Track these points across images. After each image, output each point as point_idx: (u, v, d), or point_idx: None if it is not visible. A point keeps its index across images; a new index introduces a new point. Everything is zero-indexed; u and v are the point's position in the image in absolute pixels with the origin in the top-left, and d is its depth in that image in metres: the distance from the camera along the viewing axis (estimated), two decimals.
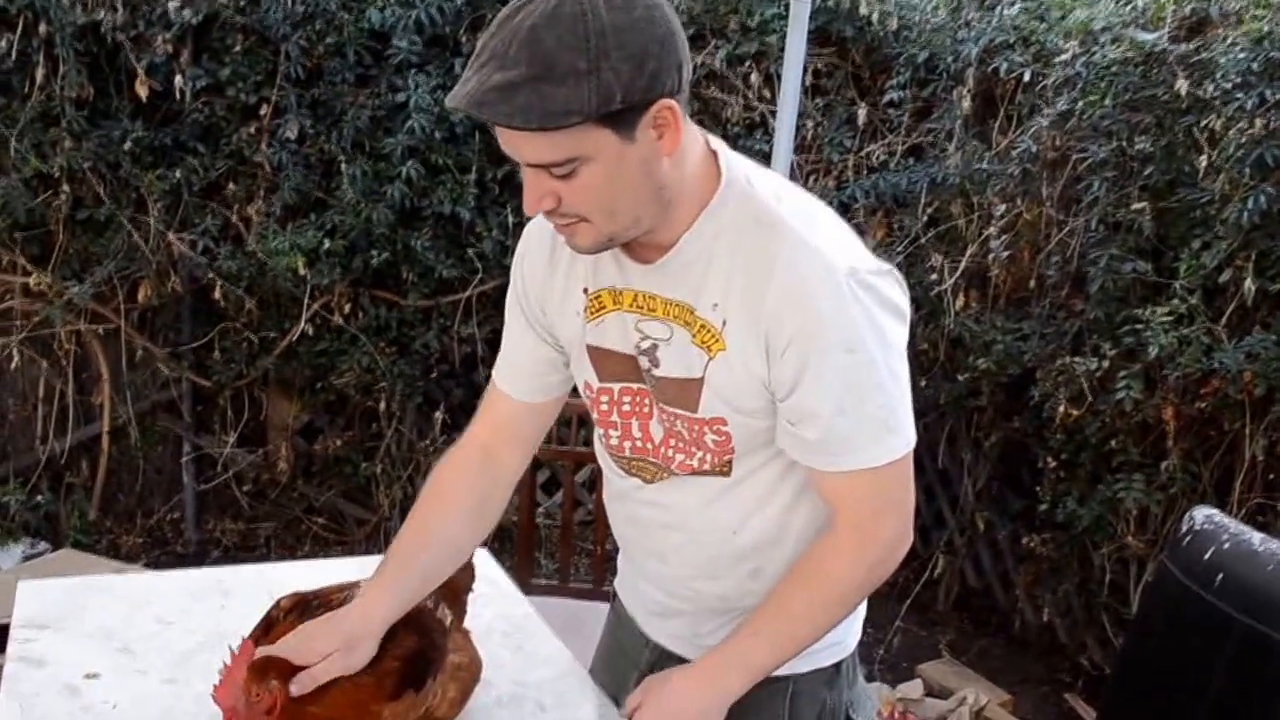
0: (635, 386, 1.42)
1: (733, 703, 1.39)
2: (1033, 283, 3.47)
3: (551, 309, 1.46)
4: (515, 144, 1.21)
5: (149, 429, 4.05)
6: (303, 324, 3.76)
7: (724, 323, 1.31)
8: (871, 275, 1.29)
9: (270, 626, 1.47)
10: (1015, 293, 3.55)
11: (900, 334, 1.32)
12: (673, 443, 1.42)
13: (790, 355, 1.27)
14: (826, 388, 1.27)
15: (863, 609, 1.52)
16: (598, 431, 1.51)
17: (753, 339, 1.29)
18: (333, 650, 1.36)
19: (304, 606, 1.46)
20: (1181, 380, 2.91)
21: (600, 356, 1.43)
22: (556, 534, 3.92)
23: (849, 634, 1.51)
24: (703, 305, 1.32)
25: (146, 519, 4.14)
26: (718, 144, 1.35)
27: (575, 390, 1.54)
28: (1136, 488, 3.02)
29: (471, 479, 1.54)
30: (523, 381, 1.54)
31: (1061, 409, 3.17)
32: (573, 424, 2.83)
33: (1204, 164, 2.90)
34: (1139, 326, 2.96)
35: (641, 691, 1.42)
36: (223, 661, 1.36)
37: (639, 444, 1.46)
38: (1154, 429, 3.10)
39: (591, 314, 1.41)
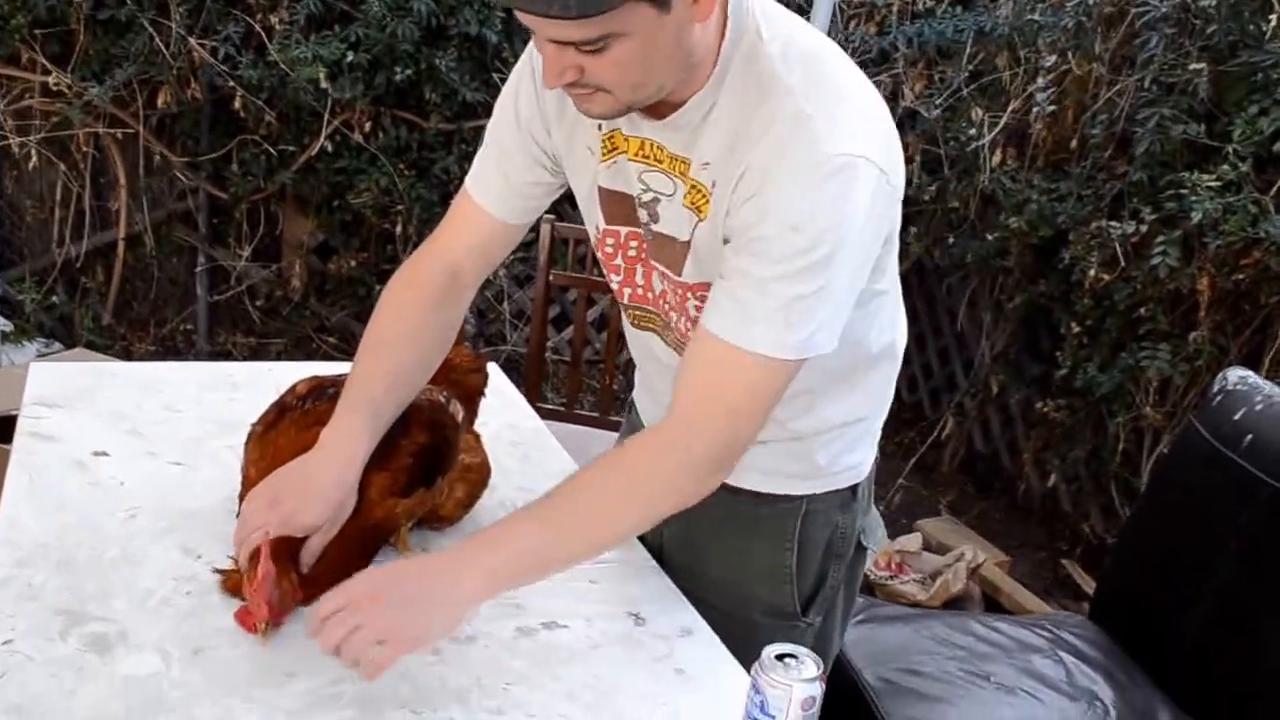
0: (641, 232, 1.36)
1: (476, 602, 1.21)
2: (1074, 143, 3.35)
3: (559, 137, 1.37)
4: (538, 23, 1.10)
5: (164, 238, 4.00)
6: (322, 139, 3.67)
7: (713, 184, 1.23)
8: (864, 163, 1.15)
9: (283, 412, 1.43)
10: (1055, 153, 3.43)
11: (870, 238, 1.20)
12: (669, 299, 1.37)
13: (743, 212, 1.19)
14: (756, 252, 1.18)
15: (876, 432, 1.48)
16: (606, 272, 1.46)
17: (725, 198, 1.22)
18: (321, 523, 1.29)
19: (319, 392, 1.42)
20: (1222, 250, 2.82)
21: (610, 199, 1.36)
22: (564, 370, 3.90)
23: (866, 456, 1.48)
24: (696, 163, 1.24)
25: (159, 328, 4.13)
26: None
27: None
28: (1162, 357, 2.96)
29: (441, 308, 1.44)
30: (511, 200, 1.43)
31: (1092, 273, 3.09)
32: (589, 253, 2.76)
33: (1272, 25, 2.75)
34: (1183, 191, 2.86)
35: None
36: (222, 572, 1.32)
37: (639, 291, 1.41)
38: (1186, 299, 3.03)
39: (605, 154, 1.33)
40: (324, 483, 1.30)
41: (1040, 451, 3.65)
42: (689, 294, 1.31)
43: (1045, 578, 3.56)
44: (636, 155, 1.29)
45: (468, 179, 1.46)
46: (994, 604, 3.26)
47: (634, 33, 1.09)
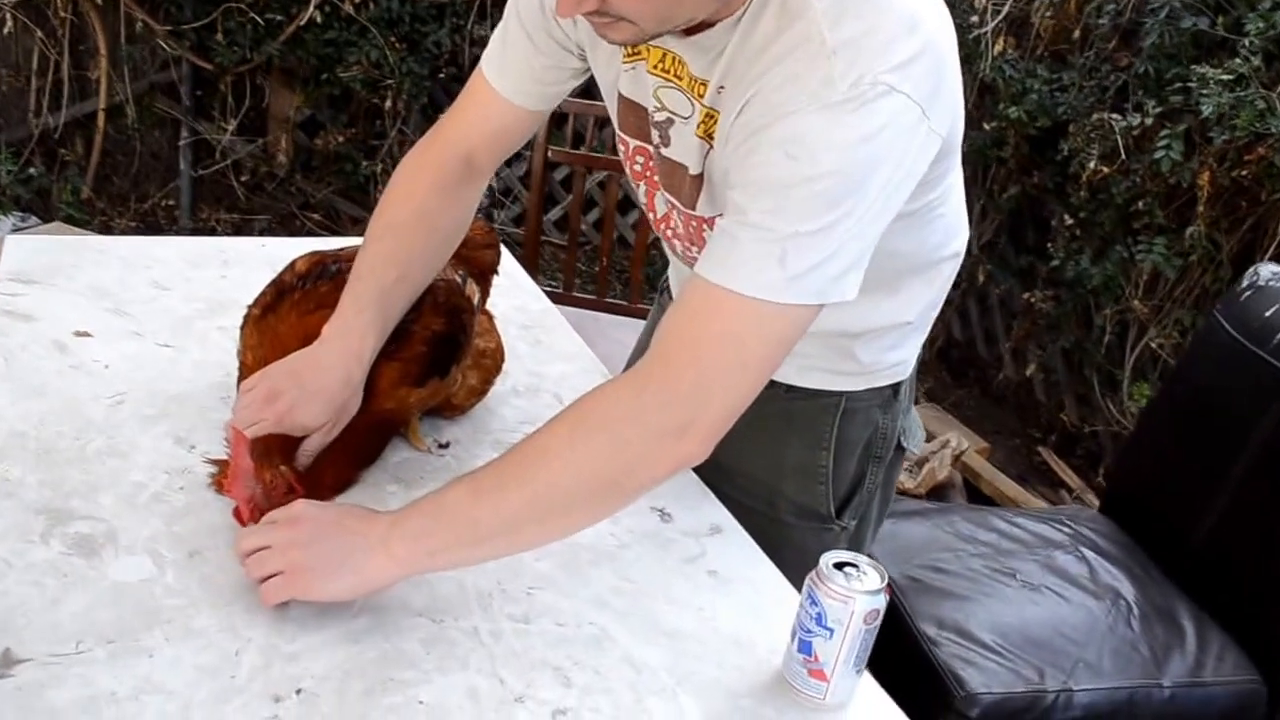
0: (650, 149, 1.17)
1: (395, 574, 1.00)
2: (1077, 33, 3.14)
3: (586, 25, 1.16)
4: None
5: (146, 110, 3.72)
6: (310, 9, 3.38)
7: (723, 110, 1.03)
8: (891, 97, 0.92)
9: (281, 294, 1.25)
10: (1056, 42, 3.22)
11: (895, 181, 0.95)
12: (673, 225, 1.20)
13: (744, 142, 0.98)
14: (751, 182, 0.96)
15: (924, 330, 1.31)
16: None
17: (728, 125, 1.02)
18: (321, 423, 1.13)
19: (321, 270, 1.23)
20: (1227, 145, 2.65)
21: (625, 107, 1.16)
22: (561, 256, 3.71)
23: (911, 354, 1.31)
24: (713, 87, 1.03)
25: (141, 203, 3.87)
26: None
27: (586, 92, 1.26)
28: (1157, 251, 2.82)
29: (455, 194, 1.26)
30: (531, 87, 1.22)
31: (1091, 165, 2.91)
32: (589, 126, 2.55)
33: None
34: (1190, 84, 2.67)
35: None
36: (215, 464, 1.15)
37: (645, 209, 1.24)
38: (1183, 194, 2.87)
39: (627, 56, 1.12)
40: (327, 380, 1.13)
41: (1023, 341, 3.52)
42: (705, 226, 1.12)
43: (1019, 463, 3.49)
44: (656, 68, 1.09)
45: (484, 59, 1.24)
46: (974, 490, 3.18)
47: None
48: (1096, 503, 3.12)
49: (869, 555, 1.06)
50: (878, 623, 0.98)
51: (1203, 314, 2.91)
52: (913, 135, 0.95)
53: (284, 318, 1.21)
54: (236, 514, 1.08)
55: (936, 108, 0.96)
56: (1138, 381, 3.05)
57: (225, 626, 0.97)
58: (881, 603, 0.98)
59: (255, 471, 1.07)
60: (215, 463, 1.16)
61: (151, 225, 3.85)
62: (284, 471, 1.09)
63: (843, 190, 0.93)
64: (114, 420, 1.23)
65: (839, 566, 0.99)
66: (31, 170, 3.62)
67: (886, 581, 0.98)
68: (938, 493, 3.09)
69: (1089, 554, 1.70)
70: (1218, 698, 1.56)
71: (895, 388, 1.30)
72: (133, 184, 3.87)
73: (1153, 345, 2.99)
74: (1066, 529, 1.76)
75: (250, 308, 1.25)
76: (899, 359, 1.29)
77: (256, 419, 1.10)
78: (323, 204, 3.87)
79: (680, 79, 1.07)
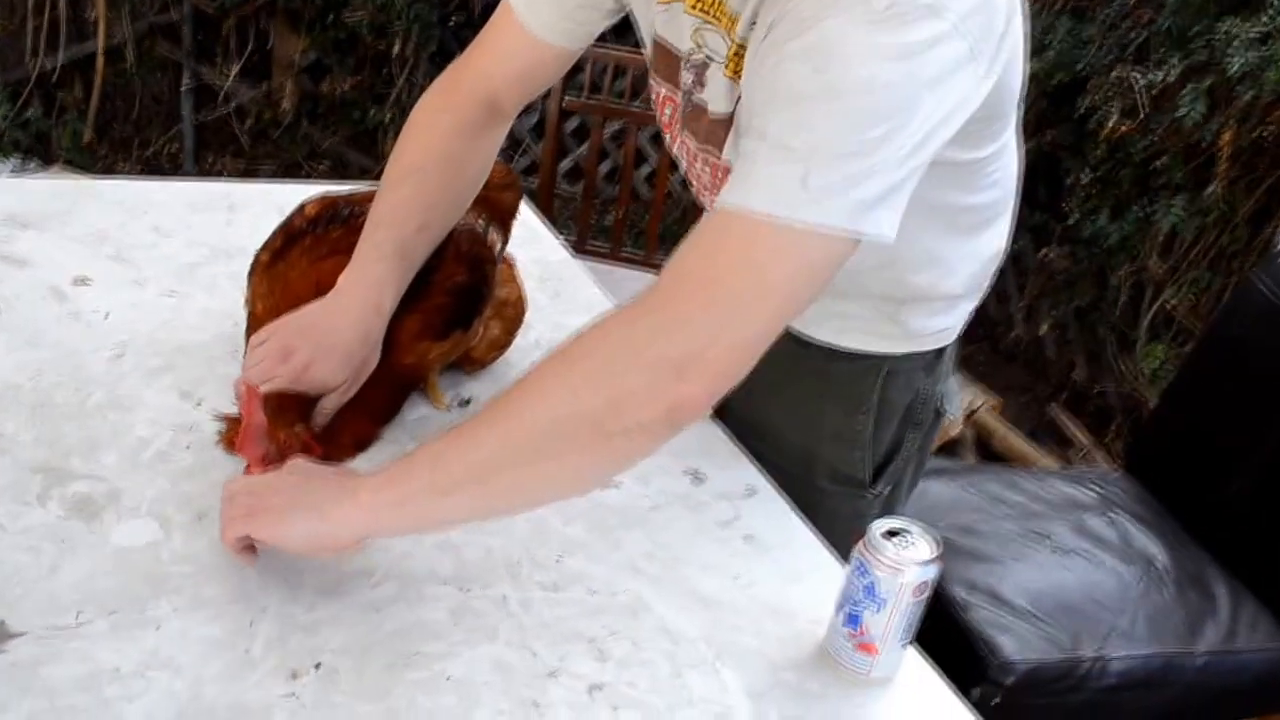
0: (678, 97, 1.07)
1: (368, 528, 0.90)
2: None
3: None
4: None
5: (147, 52, 3.58)
6: None
7: (751, 41, 0.93)
8: (939, 25, 0.80)
9: (291, 239, 1.16)
10: None
11: (935, 117, 0.83)
12: (698, 175, 1.10)
13: (766, 63, 0.86)
14: (770, 95, 0.85)
15: (976, 294, 1.21)
16: None
17: (753, 54, 0.91)
18: (339, 382, 1.05)
19: (332, 214, 1.14)
20: (1252, 103, 2.55)
21: (659, 51, 1.07)
22: (573, 206, 3.61)
23: (960, 319, 1.22)
24: (744, 20, 0.92)
25: (143, 149, 3.74)
26: None
27: (602, 37, 1.16)
28: (1176, 210, 2.72)
29: (478, 138, 1.16)
30: (561, 24, 1.12)
31: (1112, 122, 2.81)
32: (606, 73, 2.44)
33: None
34: (1216, 40, 2.56)
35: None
36: (223, 420, 1.07)
37: (671, 155, 1.15)
38: (1202, 152, 2.77)
39: None
40: (345, 336, 1.05)
41: (1036, 299, 3.44)
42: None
43: (1030, 420, 3.42)
44: (695, 7, 0.99)
45: None
46: (985, 446, 3.11)
47: None
48: (1105, 461, 3.06)
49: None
50: (927, 595, 0.91)
51: (1219, 275, 2.83)
52: (956, 69, 0.82)
53: (295, 264, 1.12)
54: (248, 473, 1.00)
55: (987, 47, 0.84)
56: (1151, 343, 2.97)
57: (237, 595, 0.89)
58: (934, 573, 0.90)
59: (269, 430, 0.99)
60: (224, 419, 1.08)
61: (155, 171, 3.73)
62: (299, 431, 1.00)
63: (875, 112, 0.80)
64: (115, 372, 1.15)
65: (888, 535, 0.91)
66: (29, 113, 3.50)
67: (940, 550, 0.90)
68: (948, 448, 3.02)
69: (1119, 517, 1.63)
70: (1250, 665, 1.50)
71: (939, 352, 1.22)
72: (135, 129, 3.74)
73: (1168, 305, 2.91)
74: (1094, 491, 1.69)
75: (259, 254, 1.16)
76: (946, 324, 1.20)
77: (270, 376, 1.01)
78: (330, 152, 3.76)
79: (719, 18, 0.97)
